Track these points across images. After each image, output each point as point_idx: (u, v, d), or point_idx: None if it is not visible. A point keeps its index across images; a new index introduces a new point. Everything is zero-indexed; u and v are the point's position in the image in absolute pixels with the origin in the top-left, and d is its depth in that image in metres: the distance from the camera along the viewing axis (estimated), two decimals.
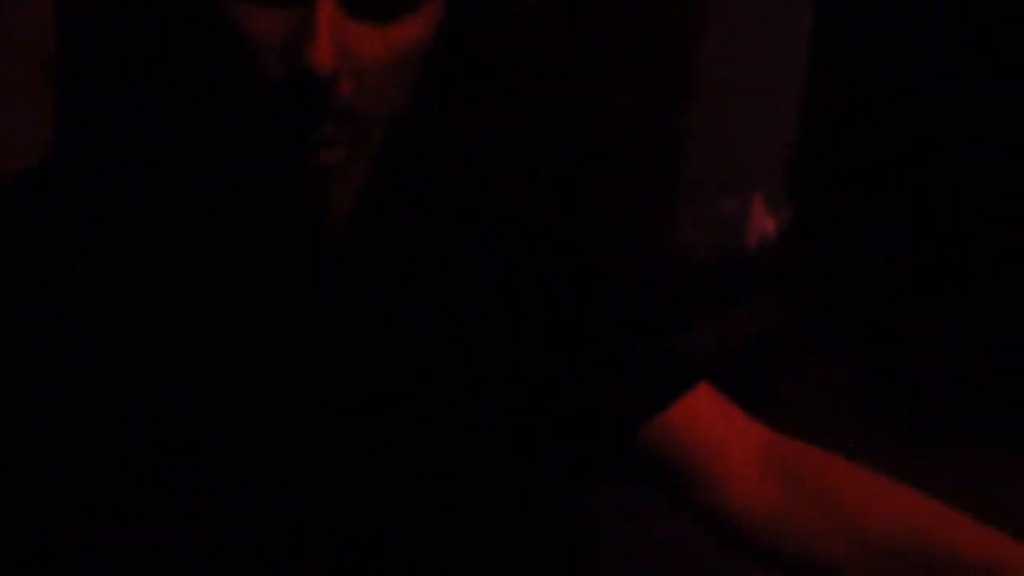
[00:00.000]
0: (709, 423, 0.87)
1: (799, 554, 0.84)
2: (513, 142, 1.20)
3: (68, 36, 1.53)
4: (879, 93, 2.42)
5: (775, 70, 2.14)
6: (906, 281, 2.38)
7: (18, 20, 1.52)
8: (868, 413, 2.42)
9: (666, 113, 1.95)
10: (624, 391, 0.85)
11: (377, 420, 0.80)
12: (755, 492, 0.85)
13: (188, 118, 0.79)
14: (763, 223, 2.17)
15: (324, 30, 0.64)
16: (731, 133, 2.07)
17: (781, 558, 0.85)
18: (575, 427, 0.87)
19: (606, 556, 1.62)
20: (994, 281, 2.49)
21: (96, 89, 1.32)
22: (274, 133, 0.69)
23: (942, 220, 2.40)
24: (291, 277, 0.78)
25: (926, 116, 2.39)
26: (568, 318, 0.85)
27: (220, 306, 0.75)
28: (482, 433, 0.83)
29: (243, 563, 0.75)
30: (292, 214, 0.76)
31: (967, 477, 1.79)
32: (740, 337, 1.98)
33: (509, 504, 0.93)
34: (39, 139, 1.48)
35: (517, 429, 0.86)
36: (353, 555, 0.79)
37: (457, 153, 0.92)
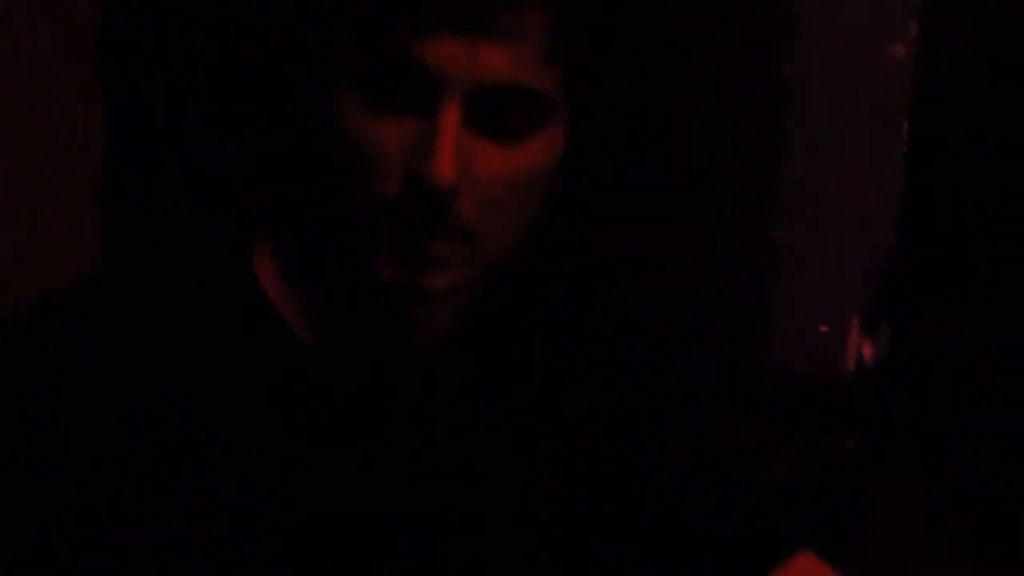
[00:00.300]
0: None
1: None
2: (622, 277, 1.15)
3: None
4: (985, 210, 2.37)
5: (871, 184, 2.11)
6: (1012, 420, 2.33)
7: None
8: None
9: (758, 228, 1.94)
10: (716, 549, 0.83)
11: (459, 538, 0.78)
12: None
13: (292, 225, 0.77)
14: (861, 346, 2.13)
15: (449, 140, 0.62)
16: (827, 250, 2.06)
17: None
18: None
19: None
20: None
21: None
22: (386, 249, 0.66)
23: None
24: (380, 392, 0.77)
25: None
26: (658, 470, 0.84)
27: (305, 415, 0.74)
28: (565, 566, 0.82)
29: None
30: (391, 332, 0.76)
31: None
32: (832, 467, 1.95)
33: None
34: None
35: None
36: None
37: (566, 286, 0.92)
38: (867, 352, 2.13)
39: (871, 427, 2.00)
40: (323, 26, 0.67)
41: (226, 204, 1.11)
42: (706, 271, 1.78)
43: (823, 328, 2.02)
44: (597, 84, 0.71)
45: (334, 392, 0.75)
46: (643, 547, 0.81)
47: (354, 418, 0.75)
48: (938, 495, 2.22)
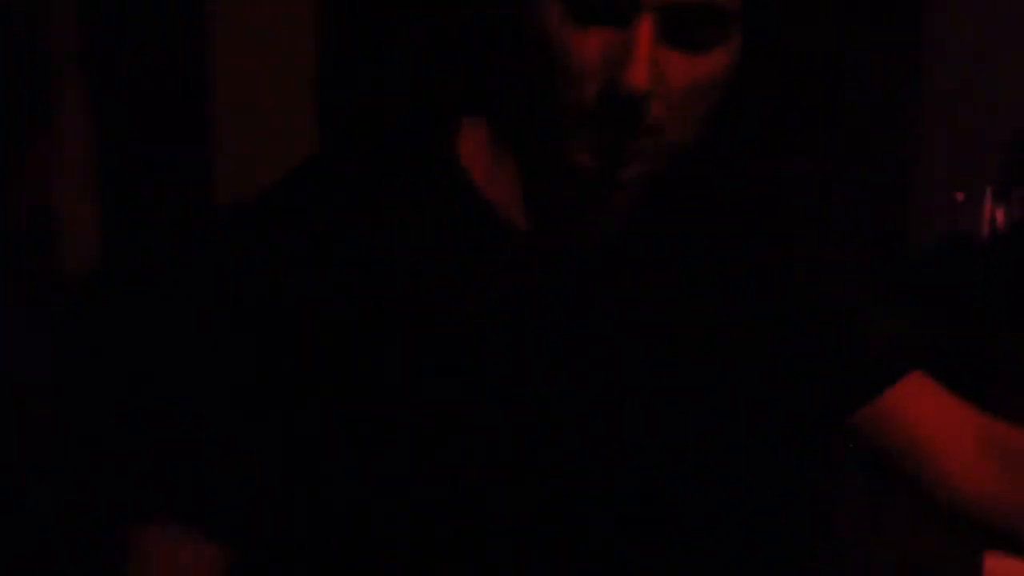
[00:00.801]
0: (924, 407, 0.95)
1: (1011, 525, 0.93)
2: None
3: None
4: None
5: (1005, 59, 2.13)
6: None
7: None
8: None
9: (897, 102, 2.02)
10: (841, 377, 0.95)
11: (621, 399, 0.88)
12: (972, 469, 0.94)
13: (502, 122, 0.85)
14: (995, 213, 2.18)
15: (645, 52, 0.69)
16: (964, 123, 2.09)
17: (994, 528, 0.95)
18: (799, 409, 0.97)
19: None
20: None
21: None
22: (586, 145, 0.74)
23: None
24: (553, 275, 0.85)
25: None
26: (793, 310, 0.95)
27: (501, 289, 0.83)
28: (719, 414, 0.93)
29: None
30: (582, 216, 0.85)
31: None
32: (964, 322, 2.04)
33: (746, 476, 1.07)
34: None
35: (750, 409, 0.96)
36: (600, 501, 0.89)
37: (727, 185, 0.99)
38: (1000, 217, 2.21)
39: (1002, 287, 2.06)
40: None
41: (432, 94, 1.22)
42: (848, 144, 1.89)
43: (959, 196, 2.10)
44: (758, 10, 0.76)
45: (531, 266, 0.84)
46: (778, 379, 0.94)
47: (550, 292, 0.84)
48: None
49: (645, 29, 0.69)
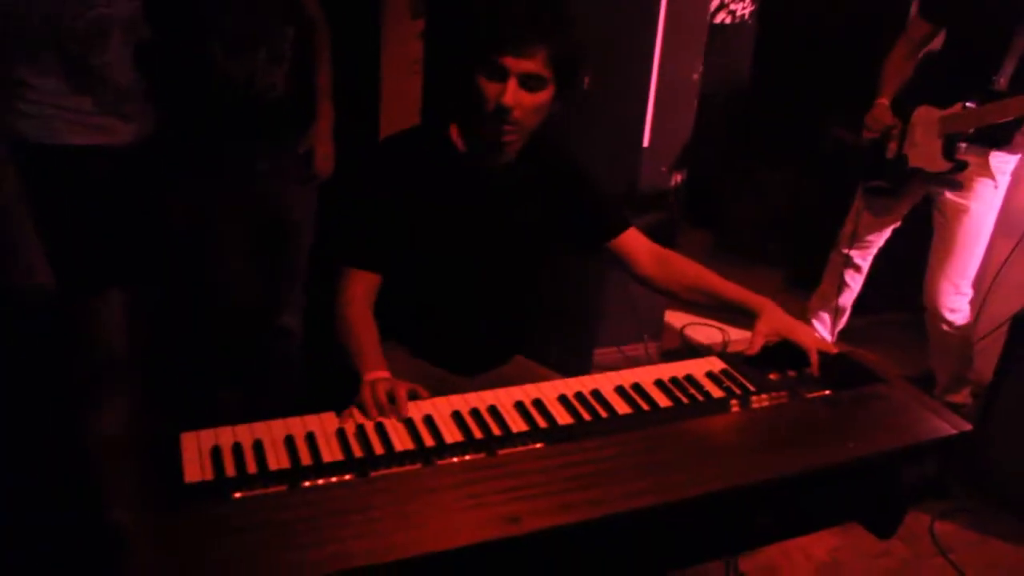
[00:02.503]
0: (632, 241, 2.31)
1: (666, 289, 2.30)
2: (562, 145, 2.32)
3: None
4: None
5: None
6: None
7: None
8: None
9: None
10: (602, 228, 2.32)
11: (508, 239, 2.22)
12: (651, 267, 2.31)
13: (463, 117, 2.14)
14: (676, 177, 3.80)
15: (511, 91, 1.97)
16: None
17: (662, 291, 2.32)
18: (584, 238, 2.32)
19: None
20: None
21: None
22: (492, 127, 2.02)
23: None
24: (488, 183, 2.17)
25: None
26: (580, 196, 2.29)
27: (463, 197, 2.16)
28: (544, 242, 2.29)
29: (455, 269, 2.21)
30: (493, 156, 2.13)
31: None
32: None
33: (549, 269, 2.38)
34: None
35: (560, 242, 2.31)
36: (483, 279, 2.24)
37: (549, 144, 2.23)
38: (678, 178, 3.13)
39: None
40: (474, 47, 1.97)
41: (443, 111, 2.26)
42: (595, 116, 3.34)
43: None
44: (565, 73, 2.01)
45: (480, 178, 2.16)
46: (574, 225, 2.31)
47: (479, 187, 2.16)
48: None
49: (512, 82, 1.97)
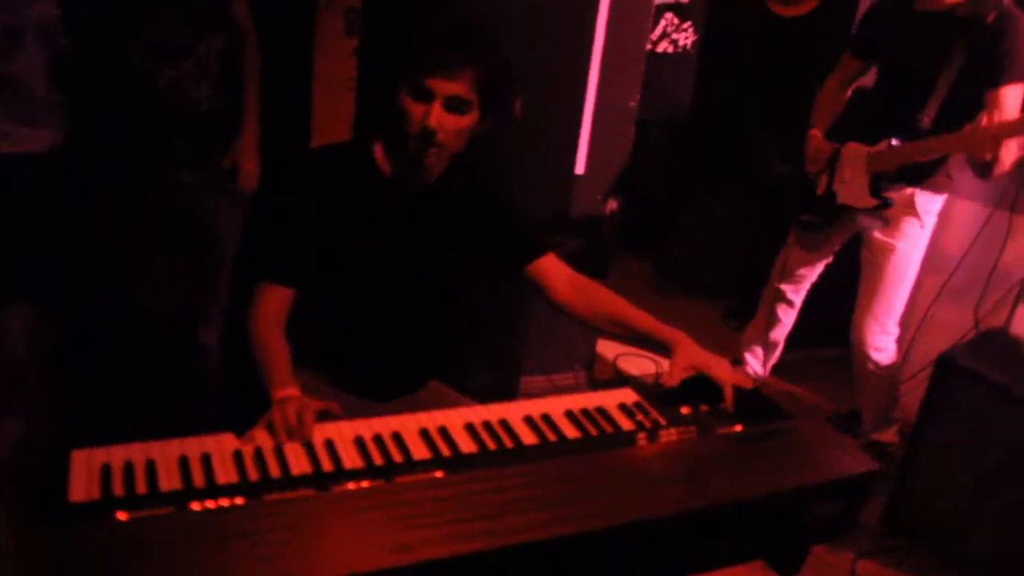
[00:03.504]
0: (550, 267, 2.29)
1: (582, 318, 2.27)
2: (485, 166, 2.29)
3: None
4: None
5: None
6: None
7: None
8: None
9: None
10: (520, 252, 2.29)
11: (426, 260, 2.19)
12: (568, 294, 2.28)
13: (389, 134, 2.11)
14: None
15: (436, 113, 1.97)
16: None
17: (578, 319, 2.28)
18: (501, 261, 2.30)
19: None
20: None
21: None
22: (416, 148, 2.01)
23: None
24: (408, 203, 2.15)
25: None
26: (503, 224, 2.27)
27: (383, 215, 2.13)
28: (463, 263, 2.26)
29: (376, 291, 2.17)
30: (416, 176, 2.11)
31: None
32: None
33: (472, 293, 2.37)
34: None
35: (478, 266, 2.28)
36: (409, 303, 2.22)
37: (472, 167, 2.22)
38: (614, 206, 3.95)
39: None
40: (401, 68, 1.98)
41: (369, 128, 2.24)
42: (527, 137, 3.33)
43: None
44: (490, 96, 2.03)
45: (401, 197, 2.13)
46: (493, 250, 2.28)
47: (400, 207, 2.14)
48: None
49: (436, 104, 1.97)
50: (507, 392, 3.59)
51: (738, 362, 4.04)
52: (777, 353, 4.04)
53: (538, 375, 3.88)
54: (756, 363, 4.03)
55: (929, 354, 3.36)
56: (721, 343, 4.54)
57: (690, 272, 5.31)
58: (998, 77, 3.03)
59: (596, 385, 4.10)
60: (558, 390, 3.90)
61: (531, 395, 3.41)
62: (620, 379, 4.22)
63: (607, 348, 4.31)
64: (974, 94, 3.09)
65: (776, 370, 4.11)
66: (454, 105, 1.97)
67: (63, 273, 2.49)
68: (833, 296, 3.87)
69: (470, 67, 1.95)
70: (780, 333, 3.97)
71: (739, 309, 4.63)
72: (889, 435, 3.70)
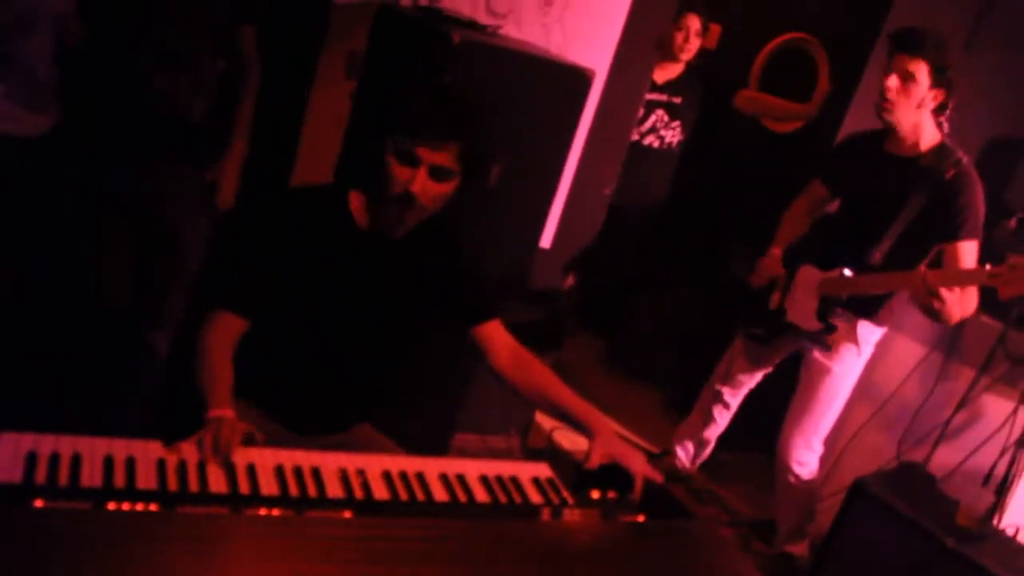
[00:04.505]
0: (493, 333, 2.37)
1: (515, 388, 2.34)
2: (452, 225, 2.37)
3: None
4: None
5: None
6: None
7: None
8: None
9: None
10: (468, 314, 2.37)
11: (379, 308, 2.28)
12: (506, 363, 2.35)
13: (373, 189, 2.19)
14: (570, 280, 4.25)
15: (421, 179, 2.08)
16: None
17: (511, 389, 2.35)
18: (449, 318, 2.38)
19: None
20: None
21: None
22: (396, 209, 2.12)
23: None
24: (373, 253, 2.23)
25: None
26: (458, 284, 2.37)
27: (346, 262, 2.22)
28: (415, 316, 2.39)
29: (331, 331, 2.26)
30: (390, 229, 2.21)
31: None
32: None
33: (420, 347, 2.56)
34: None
35: (427, 321, 2.41)
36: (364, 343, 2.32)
37: (440, 223, 2.28)
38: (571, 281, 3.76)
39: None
40: (392, 130, 2.09)
41: (349, 176, 2.44)
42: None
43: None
44: (473, 167, 2.14)
45: (369, 248, 2.22)
46: (443, 305, 2.38)
47: (364, 256, 2.23)
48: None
49: (422, 171, 2.08)
50: (439, 446, 3.65)
51: (668, 452, 4.16)
52: (707, 451, 4.14)
53: (473, 433, 3.95)
54: (685, 457, 4.12)
55: (850, 476, 3.47)
56: (660, 429, 4.73)
57: (640, 356, 5.40)
58: (955, 232, 3.18)
59: (528, 453, 4.17)
60: (490, 451, 3.97)
61: (464, 452, 3.49)
62: (551, 451, 4.29)
63: (545, 418, 4.40)
64: (925, 240, 3.25)
65: (704, 467, 4.21)
66: (438, 173, 2.08)
67: (20, 256, 2.54)
68: (771, 403, 3.98)
69: (457, 140, 2.06)
70: (713, 432, 4.07)
71: (679, 400, 4.73)
72: (800, 548, 3.79)
